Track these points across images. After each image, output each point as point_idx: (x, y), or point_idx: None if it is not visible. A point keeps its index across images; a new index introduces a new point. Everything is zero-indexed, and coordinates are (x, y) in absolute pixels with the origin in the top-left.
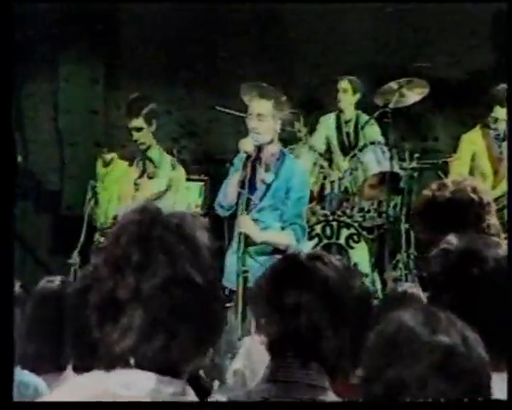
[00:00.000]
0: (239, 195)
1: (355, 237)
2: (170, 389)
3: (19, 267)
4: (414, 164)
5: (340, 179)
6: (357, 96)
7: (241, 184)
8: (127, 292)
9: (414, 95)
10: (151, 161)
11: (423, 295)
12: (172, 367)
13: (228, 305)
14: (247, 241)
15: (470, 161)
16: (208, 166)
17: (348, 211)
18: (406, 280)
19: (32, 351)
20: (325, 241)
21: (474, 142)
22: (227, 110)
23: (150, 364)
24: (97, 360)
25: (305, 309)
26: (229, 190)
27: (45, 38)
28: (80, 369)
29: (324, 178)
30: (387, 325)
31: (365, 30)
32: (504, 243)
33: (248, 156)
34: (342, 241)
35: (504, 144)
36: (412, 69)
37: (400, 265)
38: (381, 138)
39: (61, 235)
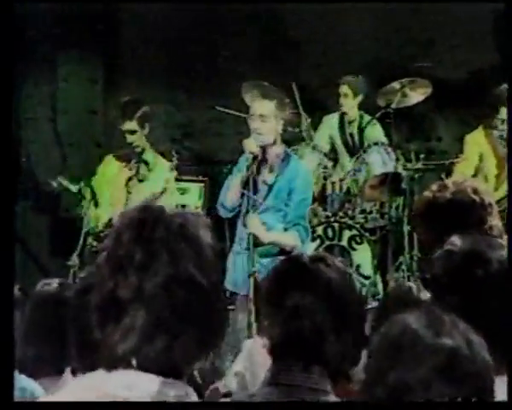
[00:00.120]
0: (242, 196)
1: (357, 239)
2: (172, 392)
3: (17, 270)
4: (419, 165)
5: (341, 180)
6: (359, 97)
7: (244, 185)
8: (129, 292)
9: (416, 95)
10: (146, 163)
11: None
12: (174, 369)
13: (230, 307)
14: (255, 241)
15: (478, 161)
16: (208, 167)
17: (350, 212)
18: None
19: (29, 354)
20: (327, 242)
21: (479, 142)
22: (227, 110)
23: (152, 365)
24: (99, 362)
25: (307, 312)
26: (232, 191)
27: (44, 37)
28: (80, 372)
29: (325, 178)
30: (391, 327)
31: (367, 29)
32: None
33: (254, 157)
34: (344, 242)
35: None
36: (414, 69)
37: (403, 266)
38: (384, 139)
39: (59, 237)
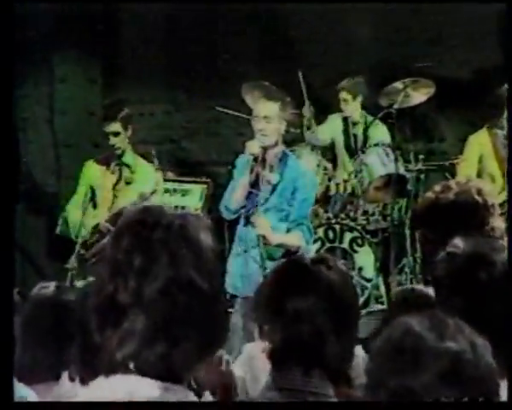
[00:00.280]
0: (247, 197)
1: (359, 241)
2: (173, 397)
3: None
4: (420, 166)
5: (345, 182)
6: (359, 99)
7: (251, 187)
8: (128, 296)
9: (419, 95)
10: (127, 166)
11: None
12: (174, 374)
13: (230, 310)
14: (262, 243)
15: (478, 162)
16: (208, 168)
17: (352, 214)
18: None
19: (26, 359)
20: (328, 244)
21: (481, 143)
22: (227, 110)
23: (152, 370)
24: (98, 367)
25: (308, 315)
26: (238, 193)
27: (43, 37)
28: (78, 377)
29: (329, 180)
30: (393, 330)
31: (368, 29)
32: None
33: (255, 159)
34: (346, 245)
35: None
36: (417, 69)
37: (406, 269)
38: (386, 139)
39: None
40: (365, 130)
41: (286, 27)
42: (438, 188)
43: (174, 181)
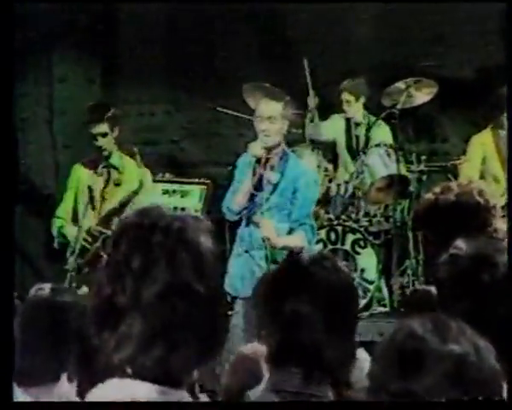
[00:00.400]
0: (250, 198)
1: (361, 243)
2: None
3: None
4: (422, 167)
5: (346, 183)
6: (362, 99)
7: (254, 188)
8: (126, 299)
9: (422, 95)
10: (114, 167)
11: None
12: (172, 378)
13: (230, 313)
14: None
15: (481, 163)
16: (208, 169)
17: (354, 215)
18: (414, 287)
19: (23, 362)
20: (330, 246)
21: (484, 144)
22: (228, 111)
23: (151, 374)
24: (95, 370)
25: (306, 317)
26: (241, 195)
27: (42, 37)
28: (76, 380)
29: (330, 181)
30: (396, 333)
31: (369, 29)
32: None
33: (257, 160)
34: (348, 246)
35: None
36: (419, 68)
37: (408, 271)
38: (388, 140)
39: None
40: (367, 130)
41: (286, 27)
42: (438, 189)
43: (173, 182)
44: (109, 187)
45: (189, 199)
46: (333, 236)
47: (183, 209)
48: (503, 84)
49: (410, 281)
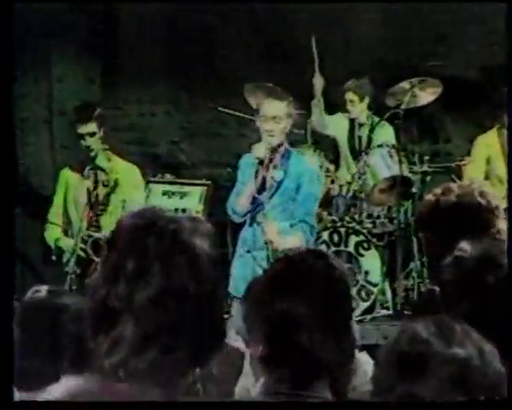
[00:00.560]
0: (254, 200)
1: (364, 245)
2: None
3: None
4: (425, 167)
5: (348, 184)
6: (366, 100)
7: (257, 190)
8: (119, 303)
9: (426, 95)
10: (101, 169)
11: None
12: (167, 381)
13: (226, 316)
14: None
15: (485, 164)
16: (208, 170)
17: (357, 217)
18: (419, 289)
19: (19, 365)
20: (333, 248)
21: (488, 144)
22: (230, 111)
23: (145, 378)
24: (90, 373)
25: (298, 317)
26: (244, 197)
27: (42, 37)
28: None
29: (332, 181)
30: (400, 336)
31: (372, 29)
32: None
33: (260, 162)
34: (351, 248)
35: None
36: (424, 68)
37: (413, 273)
38: (391, 140)
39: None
40: (371, 131)
41: (288, 27)
42: (439, 190)
43: (173, 183)
44: (98, 189)
45: (189, 200)
46: (336, 237)
47: (184, 211)
48: (505, 85)
49: (415, 283)
